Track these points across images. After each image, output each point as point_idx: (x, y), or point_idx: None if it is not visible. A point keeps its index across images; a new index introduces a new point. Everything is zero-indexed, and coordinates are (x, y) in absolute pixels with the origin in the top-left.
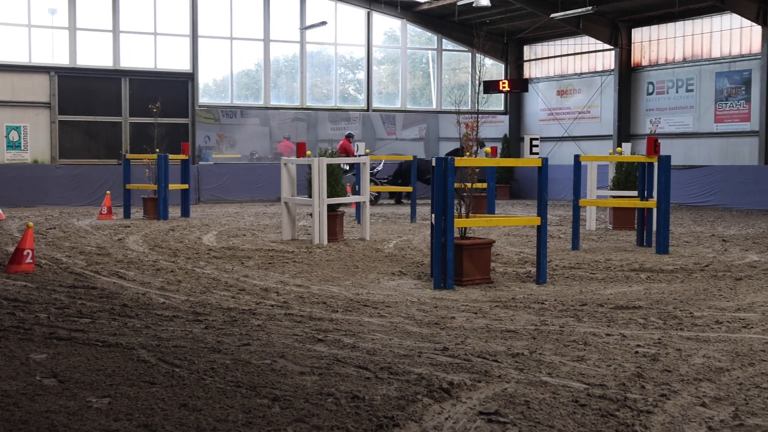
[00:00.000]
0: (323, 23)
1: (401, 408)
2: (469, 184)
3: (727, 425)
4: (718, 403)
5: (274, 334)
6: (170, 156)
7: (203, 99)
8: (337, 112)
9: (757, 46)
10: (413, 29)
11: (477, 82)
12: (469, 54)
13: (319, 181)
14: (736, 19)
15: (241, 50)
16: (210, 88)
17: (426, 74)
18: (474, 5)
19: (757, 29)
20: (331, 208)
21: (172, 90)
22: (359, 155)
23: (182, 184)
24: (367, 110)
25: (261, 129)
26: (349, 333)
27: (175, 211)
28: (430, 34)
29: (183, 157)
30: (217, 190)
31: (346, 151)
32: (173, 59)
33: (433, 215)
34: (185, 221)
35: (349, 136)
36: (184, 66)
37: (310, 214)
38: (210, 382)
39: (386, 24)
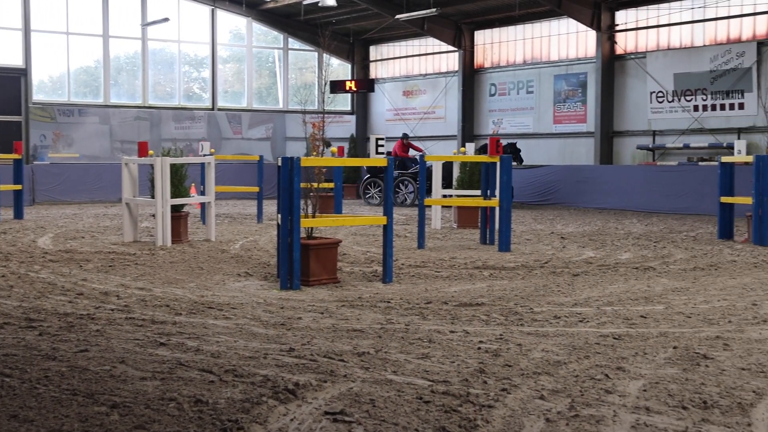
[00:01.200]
0: (165, 20)
1: (246, 411)
2: (315, 184)
3: (563, 416)
4: (555, 395)
5: (114, 339)
6: (1, 155)
7: (38, 96)
8: (181, 111)
9: (592, 50)
10: (259, 28)
11: (323, 81)
12: (316, 53)
13: (162, 182)
14: (572, 23)
15: (79, 46)
16: (45, 85)
17: (272, 73)
18: (320, 5)
19: (593, 34)
20: (175, 209)
21: (2, 86)
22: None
23: (15, 184)
24: (213, 109)
25: (101, 128)
26: (193, 336)
27: (7, 213)
28: (276, 33)
29: (15, 156)
30: (54, 191)
31: (396, 155)
32: (3, 54)
33: (279, 215)
34: (18, 223)
35: (404, 137)
36: (16, 61)
37: (153, 215)
38: (44, 391)
39: (231, 22)
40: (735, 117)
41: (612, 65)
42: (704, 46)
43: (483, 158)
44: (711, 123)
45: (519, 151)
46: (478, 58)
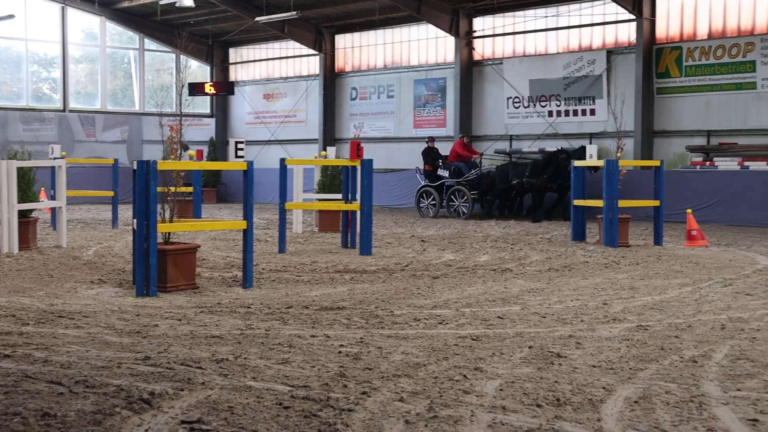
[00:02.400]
0: (11, 16)
1: (97, 423)
2: (173, 188)
3: (422, 418)
4: (415, 397)
5: None
6: None
7: None
8: (29, 112)
9: (451, 56)
10: (113, 27)
11: (181, 83)
12: (173, 55)
13: (8, 186)
14: (432, 29)
15: None
16: None
17: (128, 74)
18: (177, 5)
19: (451, 39)
20: (23, 214)
21: None
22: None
23: None
24: (64, 111)
25: None
26: (41, 346)
27: None
28: (131, 33)
29: None
30: None
31: (458, 155)
32: None
33: (135, 220)
34: None
35: (464, 135)
36: None
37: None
38: None
39: (84, 21)
40: (587, 122)
41: (470, 71)
42: (558, 53)
43: (344, 162)
44: (564, 128)
45: (567, 156)
46: (339, 62)
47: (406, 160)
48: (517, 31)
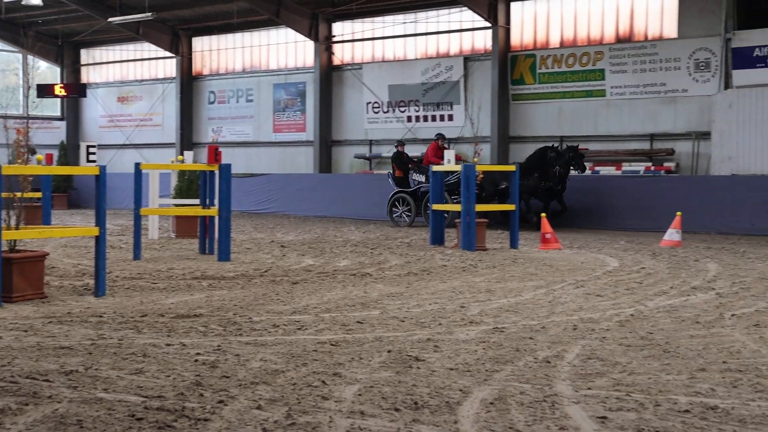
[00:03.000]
0: None
1: None
2: (19, 194)
3: (280, 425)
4: (273, 404)
5: None
6: None
7: None
8: None
9: (310, 60)
10: None
11: (28, 85)
12: (20, 55)
13: None
14: (291, 33)
15: None
16: None
17: None
18: (23, 3)
19: (311, 44)
20: None
21: None
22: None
23: None
24: None
25: None
26: None
27: None
28: None
29: None
30: None
31: (433, 158)
32: None
33: None
34: None
35: (439, 137)
36: None
37: None
38: None
39: None
40: (445, 128)
41: (330, 75)
42: (416, 59)
43: (202, 167)
44: (423, 133)
45: (582, 156)
46: (197, 65)
47: (266, 165)
48: (376, 36)
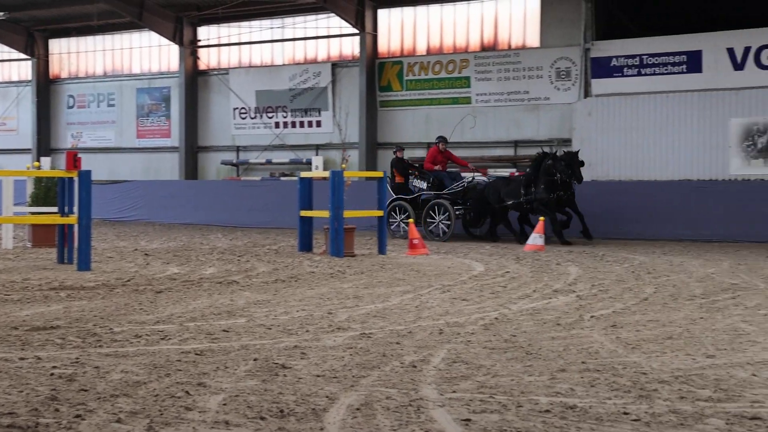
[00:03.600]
0: None
1: None
2: None
3: None
4: (133, 417)
5: None
6: None
7: None
8: None
9: (175, 65)
10: None
11: None
12: None
13: None
14: (155, 36)
15: None
16: None
17: None
18: None
19: (175, 48)
20: None
21: None
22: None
23: None
24: None
25: None
26: None
27: None
28: None
29: None
30: None
31: (435, 164)
32: None
33: None
34: None
35: (440, 140)
36: None
37: None
38: None
39: None
40: (313, 134)
41: (195, 80)
42: (284, 65)
43: (60, 173)
44: (292, 139)
45: (581, 164)
46: (54, 68)
47: (129, 172)
48: (243, 41)
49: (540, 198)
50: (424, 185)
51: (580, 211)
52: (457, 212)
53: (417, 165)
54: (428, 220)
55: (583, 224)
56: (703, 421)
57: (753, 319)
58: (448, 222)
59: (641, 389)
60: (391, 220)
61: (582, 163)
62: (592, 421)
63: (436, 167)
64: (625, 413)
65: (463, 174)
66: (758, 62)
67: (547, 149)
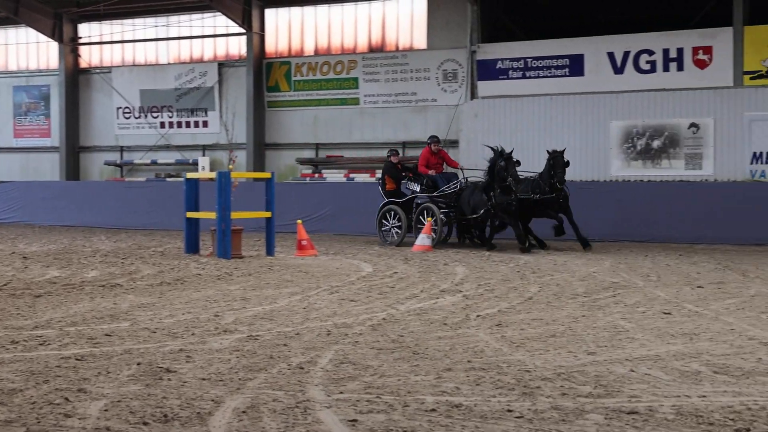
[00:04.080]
0: None
1: None
2: None
3: None
4: (9, 426)
5: None
6: None
7: None
8: None
9: (54, 62)
10: None
11: None
12: None
13: None
14: (32, 33)
15: None
16: None
17: None
18: None
19: (54, 45)
20: None
21: None
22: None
23: None
24: None
25: None
26: None
27: None
28: None
29: None
30: None
31: (428, 166)
32: None
33: None
34: None
35: (433, 141)
36: None
37: None
38: None
39: None
40: (200, 134)
41: (77, 79)
42: (169, 64)
43: None
44: (178, 140)
45: (567, 164)
46: None
47: (6, 172)
48: (126, 39)
49: (499, 203)
50: (417, 187)
51: (574, 219)
52: (449, 214)
53: (411, 167)
54: (419, 225)
55: (577, 232)
56: (584, 416)
57: (632, 317)
58: (438, 227)
59: (525, 387)
60: (383, 229)
61: (567, 164)
62: (477, 419)
63: (430, 171)
64: (509, 410)
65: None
66: (637, 66)
67: (496, 146)
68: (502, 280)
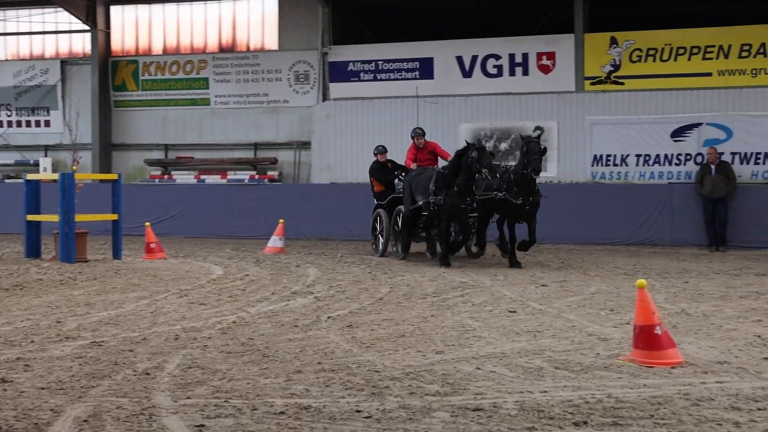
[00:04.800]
0: None
1: None
2: None
3: None
4: None
5: None
6: None
7: None
8: None
9: None
10: None
11: None
12: None
13: None
14: None
15: None
16: None
17: None
18: None
19: None
20: None
21: None
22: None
23: None
24: None
25: None
26: None
27: None
28: None
29: None
30: None
31: (417, 160)
32: None
33: None
34: None
35: (417, 134)
36: None
37: None
38: None
39: None
40: (42, 134)
41: None
42: (7, 60)
43: None
44: (17, 139)
45: (544, 152)
46: None
47: None
48: None
49: (451, 203)
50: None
51: (535, 233)
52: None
53: (400, 166)
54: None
55: (522, 244)
56: (431, 414)
57: (479, 316)
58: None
59: (374, 387)
60: (376, 231)
61: (544, 151)
62: (326, 421)
63: (413, 165)
64: (358, 411)
65: None
66: (485, 71)
67: (472, 141)
68: (353, 281)
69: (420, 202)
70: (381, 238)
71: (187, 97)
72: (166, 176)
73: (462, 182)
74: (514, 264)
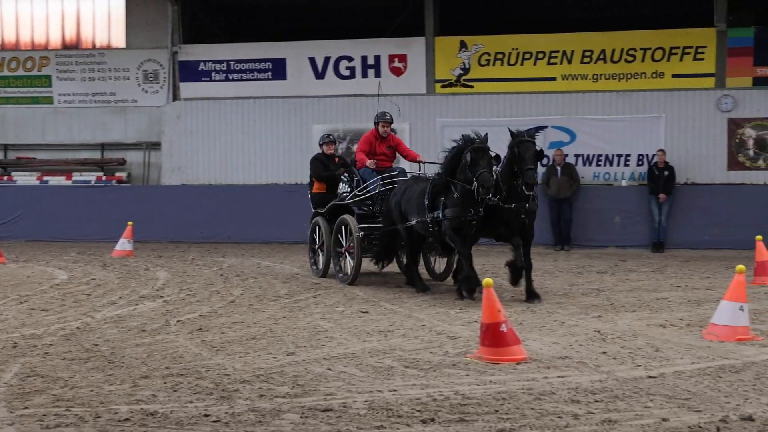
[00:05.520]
0: None
1: None
2: None
3: None
4: None
5: None
6: None
7: None
8: None
9: None
10: None
11: None
12: None
13: None
14: None
15: None
16: None
17: None
18: None
19: None
20: None
21: None
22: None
23: None
24: None
25: None
26: None
27: None
28: None
29: None
30: None
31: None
32: None
33: None
34: None
35: (380, 119)
36: None
37: None
38: None
39: None
40: None
41: None
42: None
43: None
44: None
45: (540, 156)
46: None
47: None
48: None
49: (451, 219)
50: (348, 188)
51: (528, 251)
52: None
53: (346, 160)
54: (337, 248)
55: (527, 276)
56: (280, 416)
57: (331, 317)
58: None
59: (223, 390)
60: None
61: (541, 154)
62: (173, 426)
63: (369, 162)
64: (206, 415)
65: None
66: (337, 72)
67: (471, 134)
68: (205, 284)
69: (413, 222)
70: (321, 255)
71: (28, 95)
72: (5, 177)
73: (462, 189)
74: (532, 296)
